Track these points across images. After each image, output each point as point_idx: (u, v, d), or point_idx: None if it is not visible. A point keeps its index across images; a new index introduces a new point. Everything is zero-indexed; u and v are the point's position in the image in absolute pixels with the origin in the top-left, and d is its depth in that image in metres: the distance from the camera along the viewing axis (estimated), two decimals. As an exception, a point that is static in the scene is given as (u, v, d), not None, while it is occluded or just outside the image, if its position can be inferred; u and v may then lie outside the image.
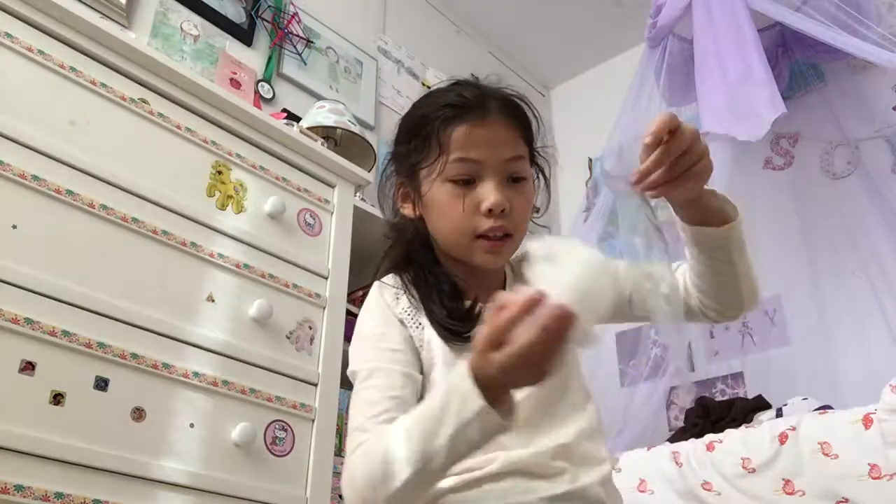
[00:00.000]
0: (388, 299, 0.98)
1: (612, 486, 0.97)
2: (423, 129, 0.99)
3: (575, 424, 0.94)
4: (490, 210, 0.94)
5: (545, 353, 0.69)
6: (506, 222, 0.95)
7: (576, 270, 0.70)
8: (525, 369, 0.70)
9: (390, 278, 1.01)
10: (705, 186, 0.88)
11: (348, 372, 0.98)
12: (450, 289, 0.98)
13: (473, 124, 0.96)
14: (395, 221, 1.07)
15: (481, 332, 0.72)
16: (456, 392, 0.75)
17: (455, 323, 0.94)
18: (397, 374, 0.91)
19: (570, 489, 0.89)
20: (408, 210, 1.04)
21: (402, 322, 0.96)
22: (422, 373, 0.94)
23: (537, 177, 1.07)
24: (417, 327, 0.95)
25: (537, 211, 1.09)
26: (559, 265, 0.71)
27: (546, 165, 1.08)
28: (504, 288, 1.05)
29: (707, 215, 0.91)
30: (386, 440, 0.81)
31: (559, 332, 0.67)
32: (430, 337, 0.94)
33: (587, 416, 0.96)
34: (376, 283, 1.02)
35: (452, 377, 0.77)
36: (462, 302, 0.97)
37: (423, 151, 0.98)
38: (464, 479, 0.90)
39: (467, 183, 0.95)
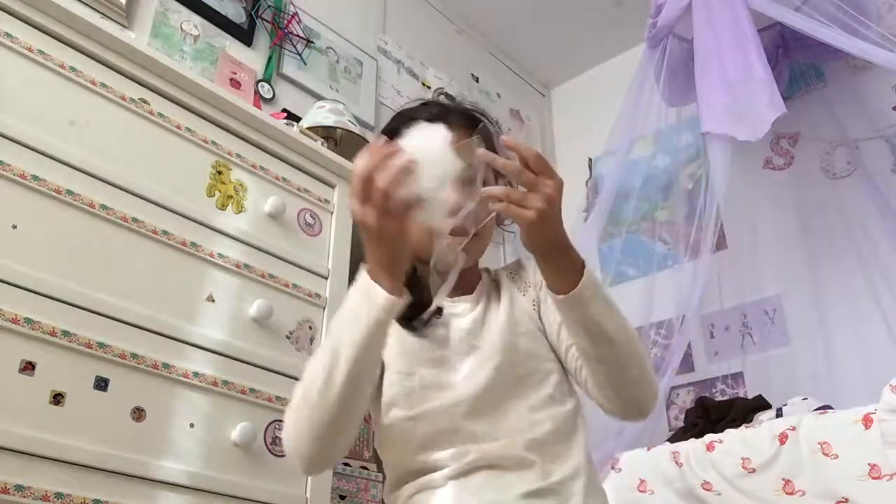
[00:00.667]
0: None
1: (595, 488, 0.97)
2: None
3: (545, 422, 0.97)
4: (451, 210, 0.99)
5: (390, 185, 0.81)
6: (467, 221, 0.99)
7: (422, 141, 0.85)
8: (383, 214, 0.83)
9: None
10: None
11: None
12: (414, 285, 1.04)
13: None
14: None
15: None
16: (355, 288, 0.91)
17: (414, 320, 1.02)
18: None
19: (542, 485, 0.91)
20: None
21: None
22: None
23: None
24: None
25: (503, 220, 1.16)
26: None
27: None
28: (473, 292, 1.11)
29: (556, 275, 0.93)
30: (308, 365, 0.94)
31: (401, 165, 0.80)
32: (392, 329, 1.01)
33: (559, 418, 0.99)
34: None
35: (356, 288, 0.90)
36: (416, 286, 1.03)
37: None
38: (435, 477, 0.92)
39: None
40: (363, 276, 0.90)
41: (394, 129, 1.08)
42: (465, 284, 1.09)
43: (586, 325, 0.92)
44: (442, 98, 1.18)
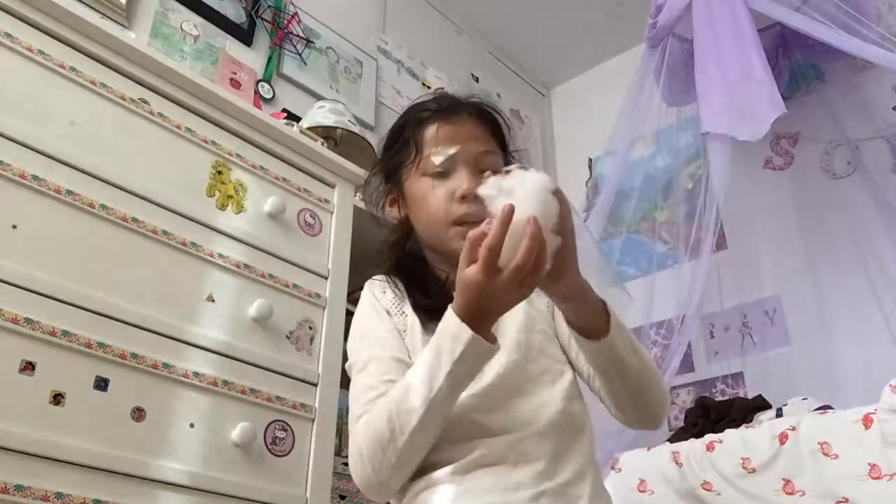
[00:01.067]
0: (377, 292, 1.06)
1: (600, 490, 0.98)
2: (402, 134, 1.09)
3: (554, 421, 0.96)
4: (463, 196, 1.00)
5: (536, 264, 0.78)
6: (481, 209, 0.97)
7: (530, 190, 0.80)
8: (516, 287, 0.80)
9: (379, 276, 1.09)
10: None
11: (346, 366, 1.04)
12: (433, 279, 1.04)
13: (444, 122, 1.05)
14: (389, 237, 1.14)
15: (473, 264, 0.80)
16: (445, 333, 0.85)
17: (434, 304, 0.99)
18: (390, 360, 0.97)
19: (549, 486, 0.90)
20: (395, 211, 1.12)
21: (388, 312, 1.03)
22: (409, 358, 0.99)
23: None
24: (401, 315, 1.03)
25: None
26: (515, 195, 0.80)
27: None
28: None
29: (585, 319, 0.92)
30: (387, 402, 0.89)
31: (541, 238, 0.77)
32: (413, 323, 1.01)
33: (568, 418, 0.99)
34: (367, 282, 1.10)
35: (440, 326, 0.86)
36: (443, 290, 1.02)
37: (402, 153, 1.08)
38: (440, 475, 0.91)
39: (442, 175, 1.03)
40: (461, 322, 0.84)
41: (403, 123, 1.09)
42: None
43: (613, 365, 0.94)
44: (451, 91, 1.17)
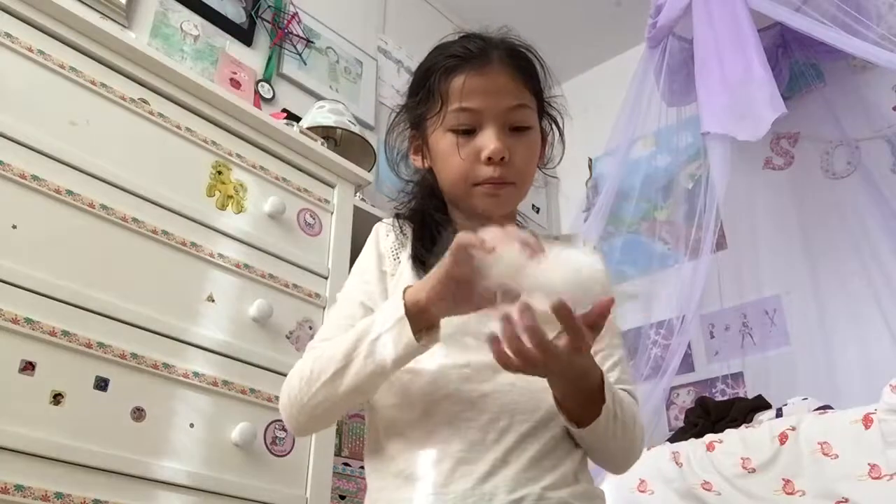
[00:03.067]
0: (380, 234, 1.03)
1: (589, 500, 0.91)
2: (427, 80, 1.01)
3: (543, 404, 0.90)
4: (489, 158, 0.94)
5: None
6: (506, 171, 0.95)
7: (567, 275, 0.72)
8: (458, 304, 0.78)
9: (388, 219, 1.05)
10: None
11: (336, 297, 1.03)
12: (446, 236, 0.96)
13: (473, 74, 0.96)
14: (411, 179, 1.09)
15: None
16: (388, 304, 0.84)
17: (431, 259, 0.92)
18: (358, 305, 0.96)
19: (528, 492, 0.84)
20: (418, 162, 1.06)
21: (381, 255, 1.00)
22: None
23: (551, 128, 1.08)
24: (394, 259, 0.99)
25: (546, 163, 1.10)
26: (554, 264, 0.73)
27: (559, 116, 1.09)
28: None
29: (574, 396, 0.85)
30: (324, 348, 0.89)
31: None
32: (404, 269, 0.97)
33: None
34: (377, 223, 1.06)
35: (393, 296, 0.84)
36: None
37: (427, 103, 1.00)
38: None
39: (468, 132, 0.96)
40: (401, 303, 0.82)
41: (428, 69, 1.01)
42: None
43: (592, 444, 0.89)
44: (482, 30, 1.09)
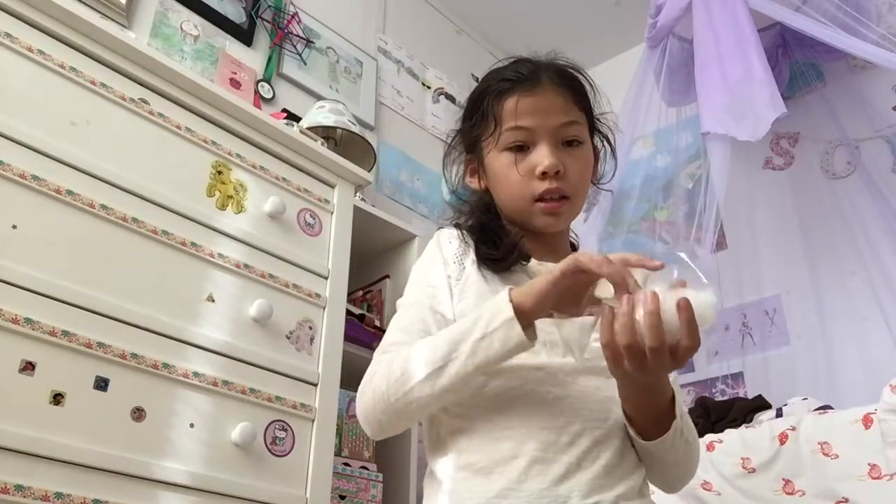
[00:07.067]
0: (443, 241, 1.04)
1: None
2: (481, 104, 1.05)
3: (613, 410, 0.92)
4: (544, 173, 0.98)
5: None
6: (561, 184, 0.99)
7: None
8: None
9: (449, 228, 1.07)
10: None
11: (396, 303, 1.03)
12: (506, 234, 1.02)
13: (525, 94, 1.00)
14: (466, 199, 1.11)
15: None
16: (490, 307, 0.85)
17: (495, 253, 0.99)
18: (430, 311, 0.97)
19: (599, 499, 0.86)
20: (475, 183, 1.09)
21: (445, 261, 1.01)
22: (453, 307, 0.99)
23: (602, 145, 1.11)
24: (459, 265, 1.01)
25: (599, 178, 1.13)
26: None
27: (609, 133, 1.13)
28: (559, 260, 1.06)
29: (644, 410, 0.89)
30: (410, 350, 0.89)
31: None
32: (469, 274, 0.99)
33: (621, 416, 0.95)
34: (437, 231, 1.08)
35: (491, 300, 0.86)
36: (514, 246, 1.00)
37: (482, 125, 1.05)
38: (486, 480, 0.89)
39: (522, 149, 1.00)
40: (509, 303, 0.84)
41: (482, 92, 1.05)
42: (554, 249, 1.04)
43: (654, 460, 0.92)
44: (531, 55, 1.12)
